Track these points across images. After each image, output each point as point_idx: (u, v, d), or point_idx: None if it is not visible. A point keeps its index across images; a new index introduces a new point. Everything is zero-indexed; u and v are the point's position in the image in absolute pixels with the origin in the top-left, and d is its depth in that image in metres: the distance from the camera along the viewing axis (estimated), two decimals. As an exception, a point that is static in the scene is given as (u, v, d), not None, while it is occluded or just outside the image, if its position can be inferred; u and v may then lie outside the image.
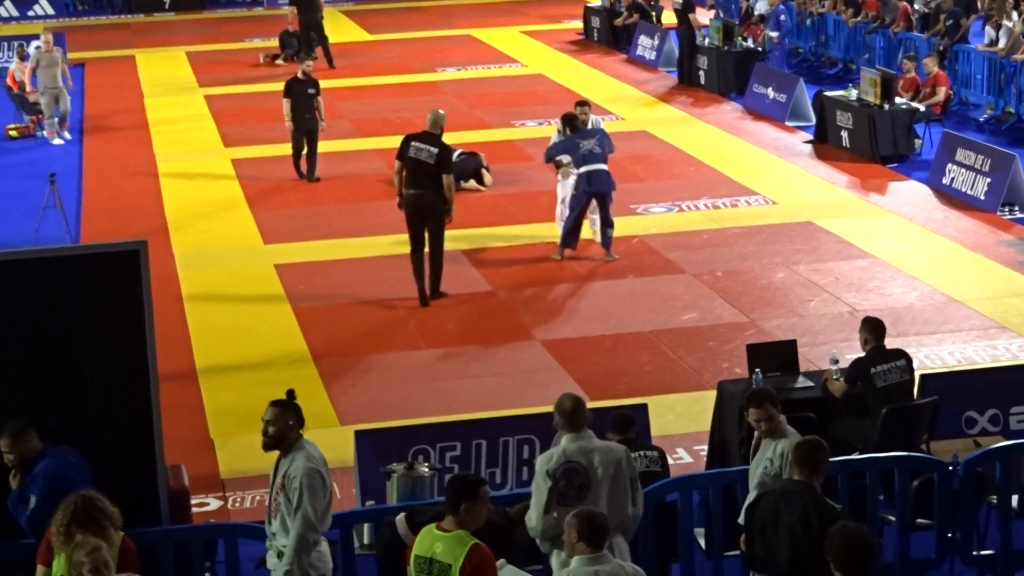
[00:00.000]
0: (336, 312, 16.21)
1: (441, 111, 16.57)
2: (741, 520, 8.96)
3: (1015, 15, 24.96)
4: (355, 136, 24.51)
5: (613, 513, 8.47)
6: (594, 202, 17.29)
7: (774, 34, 28.47)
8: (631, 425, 9.95)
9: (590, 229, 17.87)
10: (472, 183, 20.99)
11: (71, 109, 25.90)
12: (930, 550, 10.17)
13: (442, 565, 7.62)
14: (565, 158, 17.46)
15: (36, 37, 32.91)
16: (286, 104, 21.31)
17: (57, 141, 24.90)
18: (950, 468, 10.05)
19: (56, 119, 25.04)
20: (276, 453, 8.82)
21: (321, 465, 8.71)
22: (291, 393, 8.89)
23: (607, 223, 17.39)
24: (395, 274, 17.12)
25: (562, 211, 17.75)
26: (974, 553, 10.18)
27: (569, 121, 17.54)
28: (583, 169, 16.95)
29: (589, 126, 17.71)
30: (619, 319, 15.73)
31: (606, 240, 17.50)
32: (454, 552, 7.60)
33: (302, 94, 21.19)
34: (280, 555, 8.74)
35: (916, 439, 11.13)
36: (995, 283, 16.55)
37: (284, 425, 8.73)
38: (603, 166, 16.99)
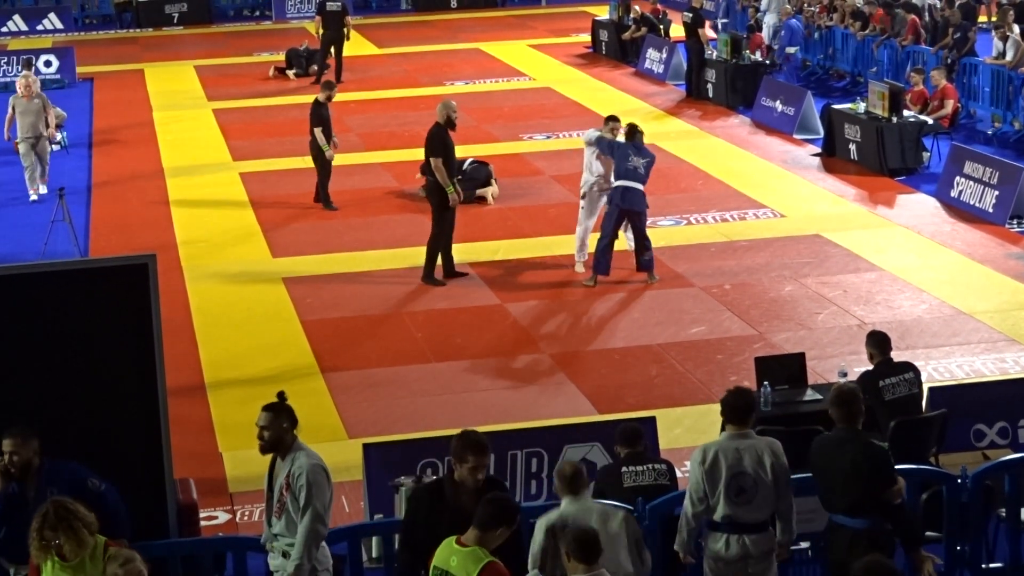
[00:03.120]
0: (344, 325, 16.22)
1: (452, 102, 17.51)
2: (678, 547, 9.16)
3: (1016, 28, 24.95)
4: (363, 150, 24.51)
5: (615, 573, 8.33)
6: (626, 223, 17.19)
7: (789, 49, 28.46)
8: (639, 438, 9.95)
9: (626, 244, 17.71)
10: (487, 191, 20.94)
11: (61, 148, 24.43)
12: (939, 563, 10.15)
13: None
14: (596, 167, 17.33)
15: (44, 51, 33.13)
16: (319, 132, 20.27)
17: (33, 197, 21.64)
18: (959, 481, 10.03)
19: (38, 171, 21.81)
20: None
21: (322, 461, 8.79)
22: (282, 395, 8.91)
23: (644, 248, 17.10)
24: (403, 287, 17.14)
25: (581, 233, 17.62)
26: (983, 566, 10.16)
27: (632, 132, 17.16)
28: (620, 183, 16.74)
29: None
30: (628, 332, 15.73)
31: (645, 264, 17.15)
32: (468, 568, 7.60)
33: (330, 119, 20.55)
34: (285, 555, 8.76)
35: (925, 452, 11.12)
36: (1003, 296, 16.53)
37: (279, 428, 8.77)
38: (640, 186, 16.79)
